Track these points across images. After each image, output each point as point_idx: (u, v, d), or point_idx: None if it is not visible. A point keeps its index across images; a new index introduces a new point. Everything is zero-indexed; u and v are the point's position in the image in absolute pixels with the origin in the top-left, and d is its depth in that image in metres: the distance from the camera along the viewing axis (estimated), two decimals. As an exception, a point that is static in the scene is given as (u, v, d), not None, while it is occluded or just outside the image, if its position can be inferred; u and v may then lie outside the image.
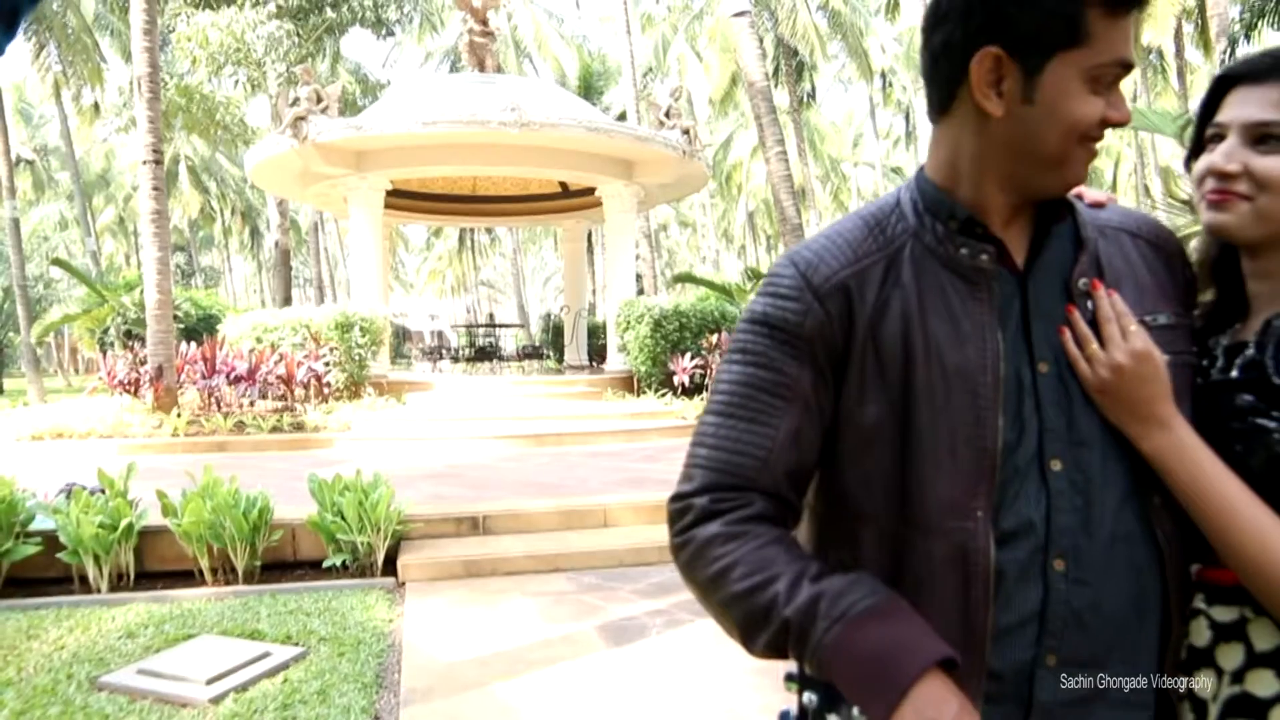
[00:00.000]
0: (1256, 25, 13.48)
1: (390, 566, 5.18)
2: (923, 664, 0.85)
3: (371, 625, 4.28)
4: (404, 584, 5.04)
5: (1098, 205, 1.11)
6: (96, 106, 26.23)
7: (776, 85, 26.06)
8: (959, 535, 0.96)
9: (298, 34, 18.86)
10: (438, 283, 50.43)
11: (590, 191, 14.90)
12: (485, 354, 16.57)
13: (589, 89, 27.60)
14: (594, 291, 27.10)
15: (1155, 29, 22.89)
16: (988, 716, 0.97)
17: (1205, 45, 20.88)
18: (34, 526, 4.96)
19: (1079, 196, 1.11)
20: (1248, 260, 1.11)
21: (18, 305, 21.61)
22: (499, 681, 3.65)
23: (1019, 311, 1.00)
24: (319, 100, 11.87)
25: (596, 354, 16.40)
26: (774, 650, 0.94)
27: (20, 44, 22.77)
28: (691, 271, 38.09)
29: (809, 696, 1.04)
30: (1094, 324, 0.99)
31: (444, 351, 17.32)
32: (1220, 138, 1.08)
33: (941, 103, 1.02)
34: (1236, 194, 1.05)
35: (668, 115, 13.70)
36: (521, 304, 40.11)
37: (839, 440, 1.03)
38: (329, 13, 19.71)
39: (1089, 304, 1.00)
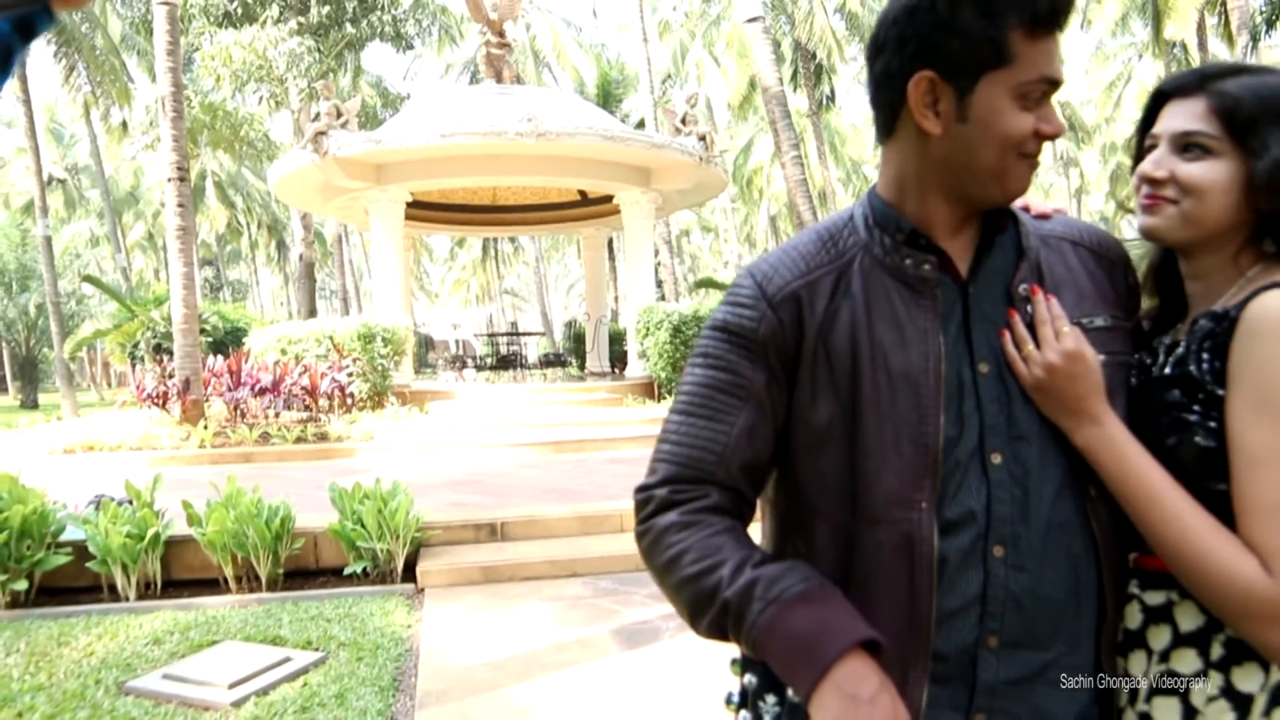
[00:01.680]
0: (1278, 18, 13.34)
1: (410, 573, 5.27)
2: (845, 644, 0.91)
3: (390, 630, 4.36)
4: (423, 590, 5.12)
5: (1043, 216, 1.17)
6: (125, 125, 26.74)
7: (795, 89, 26.07)
8: (904, 525, 1.02)
9: (319, 50, 19.13)
10: (462, 292, 50.84)
11: (609, 199, 14.99)
12: (508, 362, 16.69)
13: (607, 97, 27.73)
14: (616, 298, 27.20)
15: (1177, 23, 22.70)
16: (935, 697, 1.03)
17: (1229, 38, 20.67)
18: (64, 537, 5.09)
19: (1026, 209, 1.17)
20: (1183, 262, 1.17)
21: (51, 321, 22.08)
22: (513, 684, 3.72)
23: (960, 316, 1.07)
24: (339, 115, 12.04)
25: (618, 360, 16.45)
26: (717, 630, 1.01)
27: (51, 66, 23.29)
28: (713, 277, 38.14)
29: (749, 678, 1.11)
30: (1033, 327, 1.05)
31: (468, 360, 17.47)
32: (1155, 147, 1.14)
33: (887, 125, 1.09)
34: (1165, 199, 1.12)
35: (684, 122, 13.76)
36: (545, 311, 40.31)
37: (793, 439, 1.10)
38: (349, 28, 19.98)
39: (1029, 308, 1.06)
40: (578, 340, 18.52)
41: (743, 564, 0.99)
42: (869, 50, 1.08)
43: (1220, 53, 25.75)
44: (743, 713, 1.14)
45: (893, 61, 1.03)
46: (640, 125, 22.79)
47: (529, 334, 22.37)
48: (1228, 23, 19.60)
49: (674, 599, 1.06)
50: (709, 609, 1.00)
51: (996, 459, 1.03)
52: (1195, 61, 25.26)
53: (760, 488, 1.14)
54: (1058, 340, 1.03)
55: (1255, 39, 13.87)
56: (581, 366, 17.55)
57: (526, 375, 16.10)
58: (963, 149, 1.02)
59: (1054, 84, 1.01)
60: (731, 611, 0.98)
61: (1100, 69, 34.05)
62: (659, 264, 21.89)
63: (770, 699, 1.10)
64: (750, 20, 13.46)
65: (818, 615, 0.94)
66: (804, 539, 1.10)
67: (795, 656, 0.93)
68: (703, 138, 13.50)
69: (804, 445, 1.09)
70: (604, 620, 4.53)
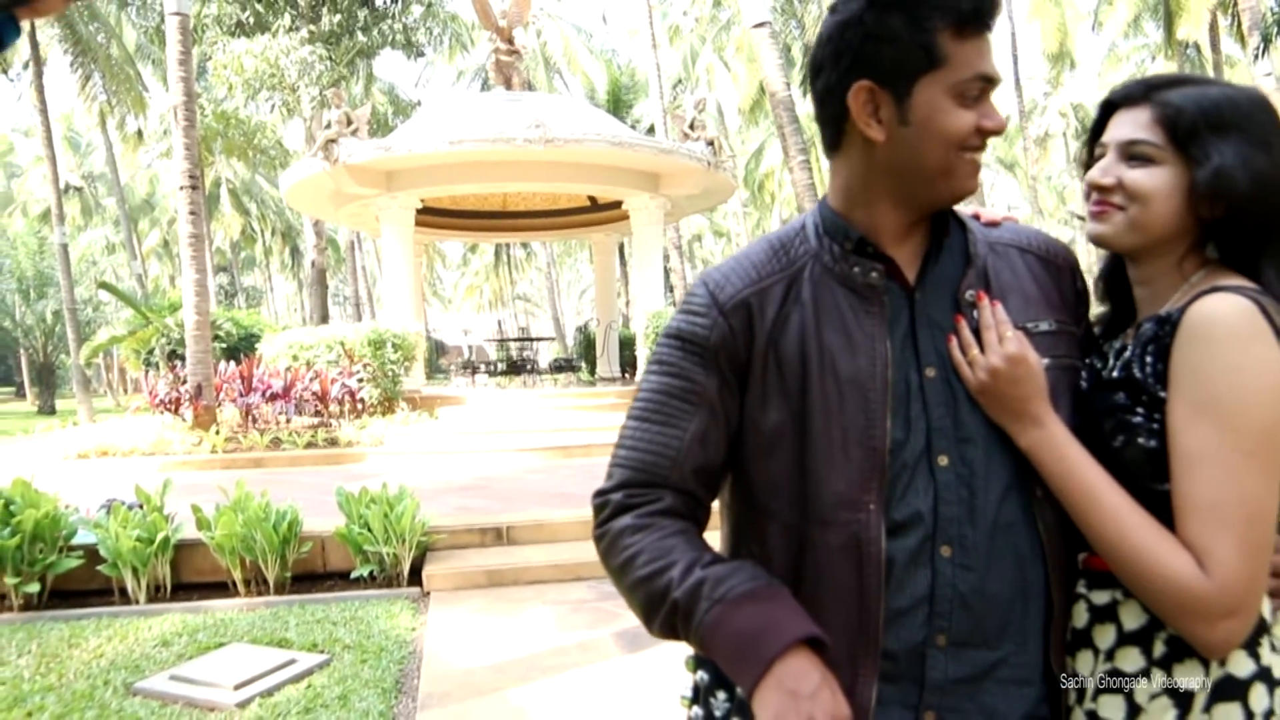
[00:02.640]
0: (1288, 20, 13.28)
1: (416, 576, 5.33)
2: (786, 640, 0.94)
3: (394, 633, 4.41)
4: (428, 593, 5.17)
5: (992, 224, 1.20)
6: (140, 133, 27.04)
7: (805, 93, 25.97)
8: (853, 527, 1.05)
9: (330, 58, 19.26)
10: (475, 297, 50.96)
11: (618, 205, 15.05)
12: (519, 368, 16.76)
13: (618, 102, 27.80)
14: (627, 303, 27.24)
15: (1189, 24, 22.61)
16: (886, 695, 1.06)
17: (1241, 39, 20.55)
18: (76, 541, 5.17)
19: (975, 216, 1.20)
20: (1131, 268, 1.20)
21: (68, 328, 22.32)
22: (513, 686, 3.76)
23: (907, 322, 1.10)
24: (349, 123, 12.15)
25: (628, 366, 16.49)
26: (668, 629, 1.04)
27: (67, 75, 23.58)
28: (725, 281, 37.91)
29: (701, 675, 1.15)
30: (979, 332, 1.09)
31: (479, 366, 17.55)
32: (1104, 156, 1.17)
33: (833, 140, 1.13)
34: (1113, 205, 1.15)
35: (692, 127, 13.81)
36: (557, 316, 40.39)
37: (745, 443, 1.13)
38: (360, 37, 20.11)
39: (975, 314, 1.10)
40: (589, 345, 18.54)
41: (692, 565, 1.03)
42: (810, 72, 1.12)
43: (1234, 53, 25.62)
44: (695, 709, 1.18)
45: (831, 77, 1.08)
46: (651, 131, 22.84)
47: (540, 339, 22.43)
48: (1239, 24, 19.51)
49: (629, 600, 1.09)
50: (660, 609, 1.03)
51: (943, 461, 1.06)
52: (1208, 63, 25.17)
53: (714, 490, 1.17)
54: (1001, 344, 1.06)
55: (1267, 40, 13.76)
56: (592, 372, 17.59)
57: (537, 380, 16.16)
58: (908, 151, 1.06)
59: (990, 81, 1.04)
60: (680, 611, 1.01)
61: (1113, 71, 33.84)
62: (670, 269, 21.94)
63: (720, 695, 1.13)
64: (757, 25, 13.45)
65: (762, 613, 0.97)
66: (758, 541, 1.13)
67: (739, 653, 0.96)
68: (711, 143, 13.54)
69: (755, 449, 1.12)
70: (606, 624, 4.57)
